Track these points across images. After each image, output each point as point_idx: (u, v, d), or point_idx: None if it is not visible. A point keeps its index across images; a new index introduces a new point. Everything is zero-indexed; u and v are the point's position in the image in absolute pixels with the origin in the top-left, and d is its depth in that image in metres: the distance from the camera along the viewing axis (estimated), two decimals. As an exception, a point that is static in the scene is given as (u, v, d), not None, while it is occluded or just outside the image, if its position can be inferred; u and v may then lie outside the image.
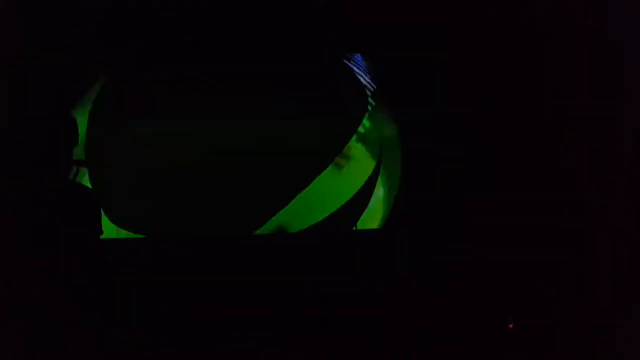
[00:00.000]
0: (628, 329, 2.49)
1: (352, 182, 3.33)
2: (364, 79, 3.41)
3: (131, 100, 3.15)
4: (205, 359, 2.82)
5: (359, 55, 3.41)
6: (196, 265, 2.97)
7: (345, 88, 3.36)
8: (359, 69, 3.43)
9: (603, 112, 2.75)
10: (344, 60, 3.39)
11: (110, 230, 3.00)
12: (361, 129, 3.35)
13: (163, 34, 3.17)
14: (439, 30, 3.15)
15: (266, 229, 3.19)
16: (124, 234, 3.09)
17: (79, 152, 2.96)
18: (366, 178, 3.34)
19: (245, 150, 3.16)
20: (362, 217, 3.31)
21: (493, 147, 3.09)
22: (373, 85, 3.41)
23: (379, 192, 3.34)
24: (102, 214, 2.61)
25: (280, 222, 3.23)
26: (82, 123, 2.96)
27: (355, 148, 3.34)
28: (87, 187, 2.78)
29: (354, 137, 3.34)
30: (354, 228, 3.30)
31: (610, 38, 2.68)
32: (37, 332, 2.50)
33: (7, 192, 2.56)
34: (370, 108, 3.37)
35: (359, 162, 3.35)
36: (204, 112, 3.14)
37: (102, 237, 2.47)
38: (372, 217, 3.33)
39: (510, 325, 2.81)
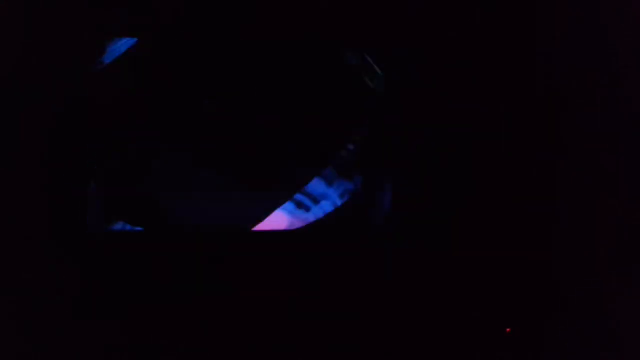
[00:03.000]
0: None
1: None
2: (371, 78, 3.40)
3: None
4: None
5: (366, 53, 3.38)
6: (196, 261, 2.97)
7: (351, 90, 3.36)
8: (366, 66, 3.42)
9: (603, 113, 2.75)
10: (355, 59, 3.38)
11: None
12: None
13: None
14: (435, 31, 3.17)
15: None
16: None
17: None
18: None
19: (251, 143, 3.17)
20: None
21: (490, 146, 3.10)
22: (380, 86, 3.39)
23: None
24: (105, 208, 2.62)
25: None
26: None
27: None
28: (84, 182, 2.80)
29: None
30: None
31: (610, 38, 2.69)
32: (37, 332, 2.52)
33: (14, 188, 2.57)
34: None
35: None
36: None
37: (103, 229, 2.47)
38: None
39: (508, 330, 2.82)
